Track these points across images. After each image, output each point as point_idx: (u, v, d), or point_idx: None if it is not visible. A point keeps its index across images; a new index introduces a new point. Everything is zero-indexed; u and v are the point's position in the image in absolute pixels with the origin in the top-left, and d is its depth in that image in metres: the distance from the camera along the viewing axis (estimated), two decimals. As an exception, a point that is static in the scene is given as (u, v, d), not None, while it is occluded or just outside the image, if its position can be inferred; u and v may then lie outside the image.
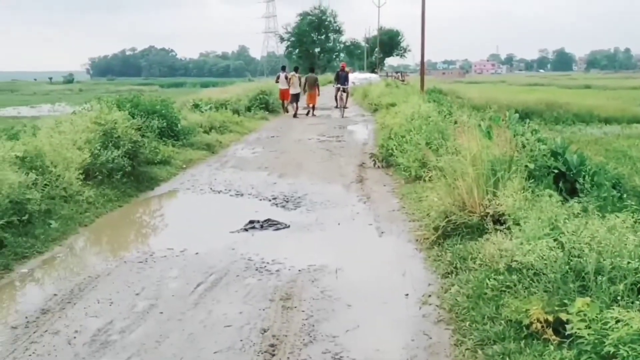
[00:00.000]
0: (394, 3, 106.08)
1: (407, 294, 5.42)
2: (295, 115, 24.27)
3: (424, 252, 6.61)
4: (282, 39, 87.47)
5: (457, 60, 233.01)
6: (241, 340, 4.52)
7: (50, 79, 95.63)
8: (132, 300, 5.30)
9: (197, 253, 6.64)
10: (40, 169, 8.06)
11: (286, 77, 24.63)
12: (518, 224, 5.43)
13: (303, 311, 5.06)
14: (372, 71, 71.47)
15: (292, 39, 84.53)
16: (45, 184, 7.89)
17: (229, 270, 6.10)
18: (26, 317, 4.93)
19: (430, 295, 5.34)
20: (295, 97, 24.57)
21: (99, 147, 9.41)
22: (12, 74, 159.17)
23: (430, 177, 8.02)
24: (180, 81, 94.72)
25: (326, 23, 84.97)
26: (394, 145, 11.74)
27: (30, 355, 4.29)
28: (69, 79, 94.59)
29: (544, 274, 4.51)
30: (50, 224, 7.28)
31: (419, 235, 7.14)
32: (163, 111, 13.71)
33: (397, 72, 71.22)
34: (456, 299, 5.01)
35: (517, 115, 9.94)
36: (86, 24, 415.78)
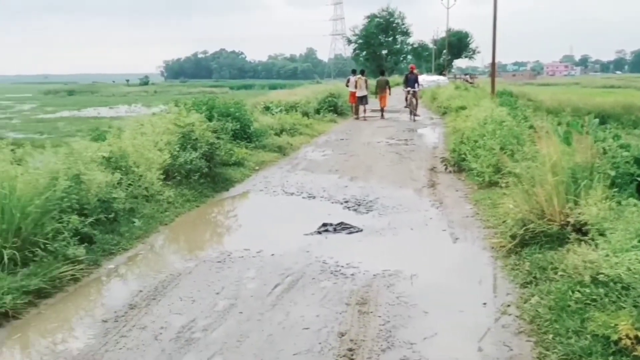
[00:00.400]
0: (463, 4, 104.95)
1: (484, 303, 5.36)
2: (362, 118, 24.38)
3: (501, 260, 6.50)
4: (349, 41, 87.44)
5: (528, 61, 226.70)
6: (319, 343, 4.59)
7: (127, 81, 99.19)
8: (213, 299, 5.46)
9: (272, 254, 6.77)
10: (124, 169, 8.40)
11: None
12: (603, 235, 5.28)
13: (379, 316, 5.09)
14: (440, 73, 70.58)
15: (360, 41, 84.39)
16: (129, 184, 8.22)
17: (305, 272, 6.19)
18: (115, 312, 5.16)
19: (509, 305, 5.26)
20: (362, 100, 24.68)
21: (177, 149, 9.73)
22: (93, 76, 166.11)
23: (506, 183, 7.89)
24: (250, 83, 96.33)
25: (394, 25, 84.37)
26: (467, 149, 11.60)
27: (120, 348, 4.49)
28: (145, 81, 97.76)
29: (633, 288, 4.37)
30: (134, 222, 7.58)
31: (495, 242, 7.03)
32: (237, 114, 14.01)
33: (465, 74, 70.24)
34: (537, 310, 4.92)
35: (596, 120, 9.63)
36: (161, 28, 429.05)
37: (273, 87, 70.69)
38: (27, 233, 5.96)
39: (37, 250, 5.88)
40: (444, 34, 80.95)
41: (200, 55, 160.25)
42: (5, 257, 5.57)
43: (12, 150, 7.17)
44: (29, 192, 6.13)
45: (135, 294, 5.59)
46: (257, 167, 12.45)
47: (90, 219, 6.80)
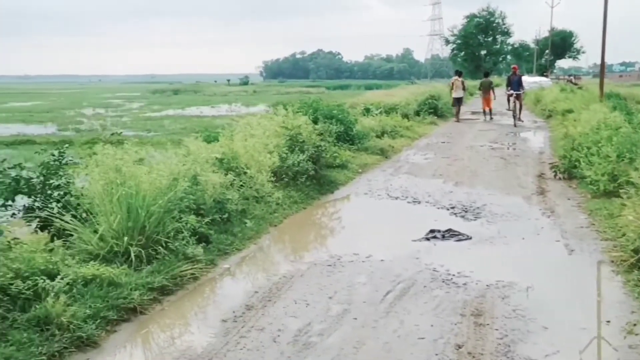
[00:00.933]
0: (568, 3, 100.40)
1: (608, 321, 5.12)
2: (457, 120, 24.03)
3: (622, 275, 6.18)
4: (447, 42, 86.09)
5: (637, 62, 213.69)
6: (437, 355, 4.54)
7: (228, 80, 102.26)
8: (326, 303, 5.53)
9: (382, 260, 6.77)
10: (235, 171, 8.66)
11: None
12: None
13: (496, 329, 4.97)
14: (542, 74, 67.96)
15: (458, 41, 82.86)
16: (241, 185, 8.48)
17: (416, 280, 6.14)
18: (233, 312, 5.33)
19: (635, 324, 5.00)
20: (458, 101, 24.37)
21: (286, 151, 9.92)
22: (196, 76, 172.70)
23: (626, 193, 7.50)
24: (346, 83, 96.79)
25: (494, 25, 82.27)
26: (580, 156, 11.11)
27: (241, 349, 4.64)
28: (245, 81, 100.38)
29: None
30: (246, 223, 7.81)
31: (615, 256, 6.70)
32: (340, 116, 14.12)
33: (569, 75, 67.26)
34: (669, 333, 4.64)
35: None
36: (262, 30, 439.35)
37: (369, 88, 70.64)
38: (150, 232, 6.28)
39: (159, 249, 6.18)
40: (546, 34, 77.92)
41: (298, 56, 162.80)
42: (132, 254, 5.89)
43: (135, 151, 7.56)
44: (153, 192, 6.45)
45: (251, 294, 5.75)
46: (360, 170, 12.50)
47: (206, 219, 7.07)
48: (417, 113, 23.36)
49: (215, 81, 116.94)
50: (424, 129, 20.80)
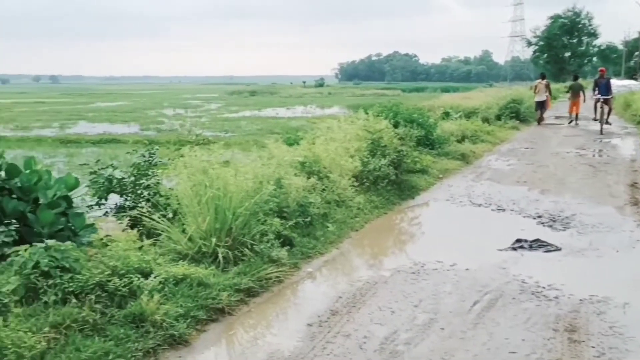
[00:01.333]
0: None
1: None
2: (540, 124, 23.36)
3: None
4: (529, 44, 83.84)
5: None
6: (529, 370, 4.38)
7: (304, 82, 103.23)
8: (412, 311, 5.45)
9: (467, 269, 6.62)
10: (317, 174, 8.69)
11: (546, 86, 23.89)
12: None
13: (593, 347, 4.75)
14: (631, 77, 65.01)
15: (540, 43, 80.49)
16: (322, 189, 8.49)
17: (504, 291, 5.97)
18: (319, 316, 5.33)
19: None
20: (540, 105, 23.77)
21: (367, 155, 9.88)
22: (272, 77, 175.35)
23: None
24: (422, 86, 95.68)
25: (579, 26, 79.47)
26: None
27: (328, 354, 4.63)
28: (320, 83, 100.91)
29: None
30: (328, 227, 7.82)
31: None
32: (420, 120, 13.95)
33: (661, 78, 63.88)
34: None
35: None
36: (338, 32, 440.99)
37: (445, 90, 69.63)
38: (236, 233, 6.38)
39: (245, 250, 6.27)
40: (636, 35, 74.50)
41: (374, 58, 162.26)
42: (220, 255, 6.01)
43: (221, 153, 7.73)
44: (239, 194, 6.55)
45: (335, 299, 5.74)
46: (440, 175, 12.30)
47: (289, 223, 7.12)
48: (498, 117, 22.81)
49: (291, 83, 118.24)
50: (505, 134, 20.26)
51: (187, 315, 4.96)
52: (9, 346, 3.93)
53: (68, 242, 5.29)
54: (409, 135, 12.12)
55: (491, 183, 11.81)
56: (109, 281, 4.91)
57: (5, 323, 4.25)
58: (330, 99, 63.42)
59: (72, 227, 7.06)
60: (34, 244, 5.23)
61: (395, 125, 12.18)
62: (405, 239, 8.35)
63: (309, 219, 7.62)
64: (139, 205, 7.39)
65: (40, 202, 6.94)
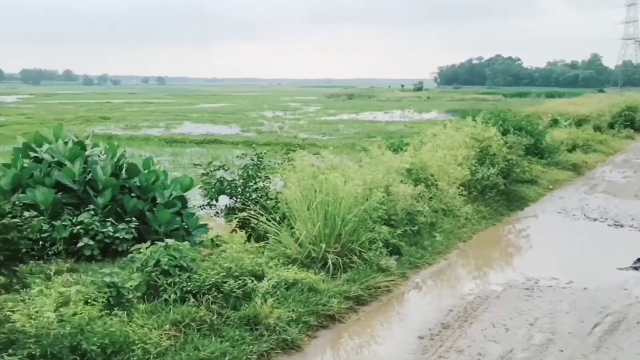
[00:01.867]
0: None
1: None
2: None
3: None
4: (644, 46, 79.04)
5: None
6: (661, 403, 4.09)
7: (402, 86, 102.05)
8: (527, 330, 5.23)
9: (585, 288, 6.29)
10: (425, 182, 8.55)
11: None
12: None
13: None
14: None
15: (657, 46, 75.71)
16: (430, 197, 8.34)
17: (626, 314, 5.62)
18: (429, 329, 5.22)
19: None
20: None
21: (475, 164, 9.63)
22: (370, 80, 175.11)
23: None
24: (524, 91, 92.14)
25: None
26: None
27: (441, 369, 4.53)
28: (418, 87, 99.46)
29: None
30: (435, 236, 7.67)
31: None
32: (529, 128, 13.45)
33: None
34: None
35: None
36: (437, 36, 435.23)
37: (550, 96, 66.77)
38: (345, 240, 6.37)
39: (353, 257, 6.25)
40: None
41: (474, 62, 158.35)
42: (330, 262, 6.02)
43: (330, 158, 7.74)
44: (349, 200, 6.52)
45: (445, 312, 5.61)
46: (550, 186, 11.80)
47: (397, 231, 7.04)
48: (611, 125, 21.65)
49: (389, 86, 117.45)
50: (619, 144, 19.21)
51: (299, 320, 4.99)
52: (136, 342, 4.09)
53: (186, 242, 5.46)
54: (518, 143, 11.70)
55: (606, 196, 11.19)
56: (225, 282, 5.02)
57: (129, 318, 4.44)
58: (428, 103, 62.46)
59: (186, 227, 7.34)
60: (154, 242, 5.44)
61: (504, 133, 11.80)
62: (516, 253, 8.05)
63: (416, 227, 7.51)
64: (249, 207, 7.55)
65: (157, 201, 7.27)
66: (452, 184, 8.83)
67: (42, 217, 6.23)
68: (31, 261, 5.77)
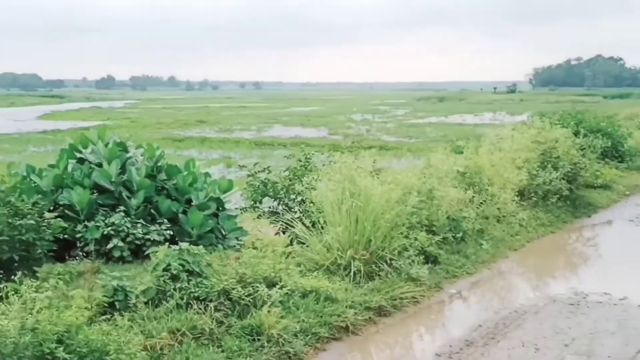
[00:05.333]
0: None
1: None
2: None
3: None
4: None
5: None
6: None
7: (495, 88, 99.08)
8: (560, 351, 4.74)
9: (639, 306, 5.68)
10: (477, 186, 8.07)
11: None
12: None
13: None
14: None
15: None
16: (481, 203, 7.86)
17: (683, 337, 4.99)
18: (450, 346, 4.84)
19: None
20: None
21: (536, 167, 9.02)
22: (462, 83, 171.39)
23: None
24: (626, 92, 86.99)
25: None
26: None
27: (449, 391, 4.16)
28: (512, 89, 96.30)
29: None
30: (482, 244, 7.21)
31: None
32: (608, 129, 12.54)
33: None
34: None
35: None
36: (532, 37, 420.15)
37: (656, 97, 62.70)
38: (375, 246, 6.07)
39: (382, 265, 5.94)
40: None
41: (573, 62, 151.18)
42: (353, 269, 5.74)
43: (374, 160, 7.43)
44: (382, 204, 6.21)
45: (473, 328, 5.19)
46: (627, 192, 10.92)
47: (437, 238, 6.65)
48: None
49: (481, 89, 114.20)
50: None
51: (307, 331, 4.75)
52: (110, 352, 3.88)
53: (200, 247, 5.33)
54: (591, 146, 10.89)
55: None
56: (234, 288, 4.86)
57: (129, 324, 4.35)
58: (521, 105, 60.20)
59: (222, 229, 7.27)
60: (180, 244, 5.34)
61: (577, 134, 11.01)
62: (571, 263, 7.45)
63: (460, 234, 7.08)
64: (292, 210, 7.40)
65: (192, 203, 7.24)
66: (507, 189, 8.28)
67: (76, 218, 6.36)
68: (56, 262, 5.88)
